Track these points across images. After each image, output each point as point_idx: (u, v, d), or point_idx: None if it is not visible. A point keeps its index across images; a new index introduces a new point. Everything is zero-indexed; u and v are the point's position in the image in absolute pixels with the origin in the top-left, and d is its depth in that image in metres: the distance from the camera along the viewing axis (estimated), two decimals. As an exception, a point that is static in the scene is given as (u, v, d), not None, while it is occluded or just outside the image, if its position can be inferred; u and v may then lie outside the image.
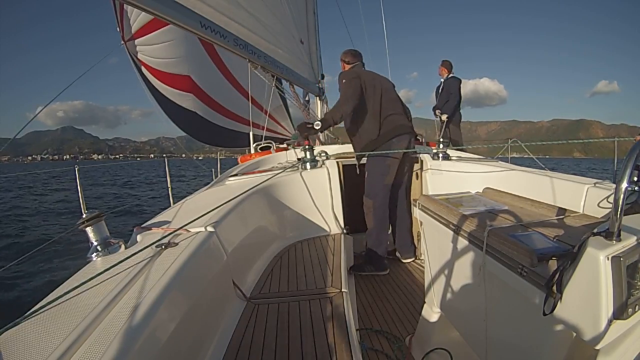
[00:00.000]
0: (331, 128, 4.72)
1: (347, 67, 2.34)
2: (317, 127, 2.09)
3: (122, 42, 5.00)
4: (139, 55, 5.35)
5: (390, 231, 2.40)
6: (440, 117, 4.66)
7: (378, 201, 2.17)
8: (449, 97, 4.65)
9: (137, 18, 4.72)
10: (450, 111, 4.59)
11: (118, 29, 4.94)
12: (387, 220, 2.24)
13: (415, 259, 2.45)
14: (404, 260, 2.37)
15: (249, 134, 3.96)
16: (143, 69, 5.59)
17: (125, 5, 4.61)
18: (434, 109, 4.92)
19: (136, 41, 5.07)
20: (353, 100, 2.07)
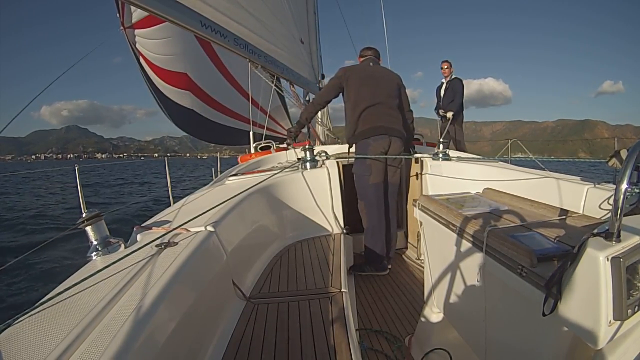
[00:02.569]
0: (331, 128, 4.73)
1: (360, 59, 2.50)
2: (292, 130, 2.50)
3: (122, 27, 4.95)
4: (138, 46, 5.34)
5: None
6: (445, 115, 4.66)
7: (368, 201, 2.18)
8: (455, 97, 4.66)
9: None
10: (456, 107, 4.61)
11: (118, 14, 4.89)
12: (383, 220, 2.22)
13: (417, 258, 2.46)
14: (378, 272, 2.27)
15: (247, 132, 3.96)
16: (142, 60, 5.58)
17: None
18: (438, 108, 4.91)
19: (136, 31, 5.04)
20: (323, 99, 2.38)
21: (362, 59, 2.46)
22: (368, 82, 2.24)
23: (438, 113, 4.92)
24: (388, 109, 2.25)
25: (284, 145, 3.42)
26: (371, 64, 2.40)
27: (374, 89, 2.23)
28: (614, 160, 1.46)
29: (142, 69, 5.71)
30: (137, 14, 4.78)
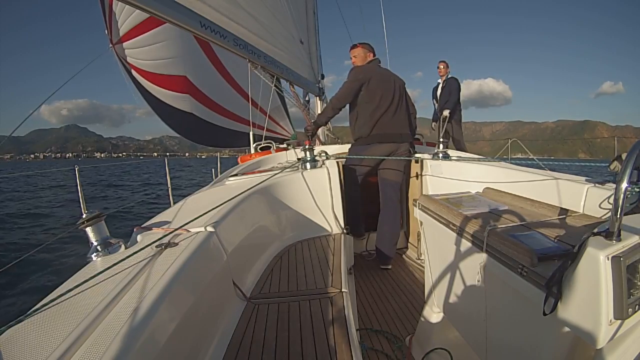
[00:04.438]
0: (331, 128, 4.73)
1: (365, 54, 2.49)
2: (309, 129, 2.54)
3: (110, 45, 4.96)
4: (128, 59, 5.29)
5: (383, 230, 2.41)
6: (442, 114, 4.66)
7: (349, 182, 2.32)
8: (450, 95, 4.66)
9: (125, 20, 4.68)
10: (451, 105, 4.60)
11: (106, 32, 4.90)
12: (357, 201, 2.36)
13: (417, 258, 2.46)
14: (382, 267, 2.36)
15: (247, 134, 3.95)
16: (134, 72, 5.51)
17: (114, 8, 4.59)
18: (439, 110, 4.86)
19: (124, 44, 5.01)
20: (341, 102, 2.37)
21: (370, 58, 2.47)
22: (388, 87, 2.30)
23: (436, 118, 4.89)
24: (402, 113, 2.34)
25: (284, 146, 3.42)
26: (380, 65, 2.45)
27: (393, 94, 2.30)
28: (615, 163, 1.47)
29: (136, 82, 5.64)
30: (124, 27, 4.75)
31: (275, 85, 3.78)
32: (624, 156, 1.48)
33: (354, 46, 2.52)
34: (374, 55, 2.48)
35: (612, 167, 1.48)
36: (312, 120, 2.75)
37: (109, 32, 4.87)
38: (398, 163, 2.33)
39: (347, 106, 2.41)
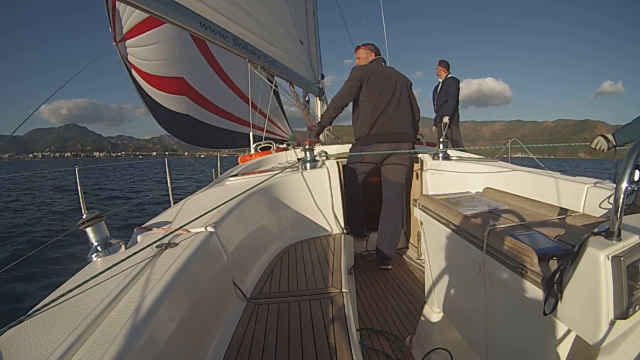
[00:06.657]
0: (331, 128, 4.73)
1: (365, 53, 2.50)
2: (314, 129, 2.55)
3: (114, 43, 4.97)
4: (129, 57, 5.29)
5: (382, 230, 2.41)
6: (442, 120, 4.64)
7: (350, 184, 2.32)
8: (448, 97, 4.62)
9: (129, 18, 4.68)
10: (450, 111, 4.57)
11: (110, 29, 4.90)
12: (358, 201, 2.36)
13: (417, 258, 2.46)
14: (382, 267, 2.36)
15: (246, 134, 3.95)
16: (133, 71, 5.51)
17: (117, 6, 4.60)
18: (437, 113, 4.84)
19: (127, 42, 5.01)
20: (343, 101, 2.37)
21: (371, 58, 2.48)
22: (388, 85, 2.30)
23: (436, 121, 4.87)
24: (403, 112, 2.34)
25: (284, 146, 3.42)
26: (383, 64, 2.45)
27: (393, 92, 2.30)
28: (599, 138, 1.51)
29: (135, 81, 5.63)
30: (127, 25, 4.75)
31: (274, 86, 3.78)
32: (609, 136, 1.52)
33: (357, 48, 2.54)
34: (377, 55, 2.49)
35: (594, 143, 1.52)
36: (317, 122, 2.75)
37: (113, 30, 4.88)
38: (400, 161, 2.32)
39: (350, 107, 2.42)
